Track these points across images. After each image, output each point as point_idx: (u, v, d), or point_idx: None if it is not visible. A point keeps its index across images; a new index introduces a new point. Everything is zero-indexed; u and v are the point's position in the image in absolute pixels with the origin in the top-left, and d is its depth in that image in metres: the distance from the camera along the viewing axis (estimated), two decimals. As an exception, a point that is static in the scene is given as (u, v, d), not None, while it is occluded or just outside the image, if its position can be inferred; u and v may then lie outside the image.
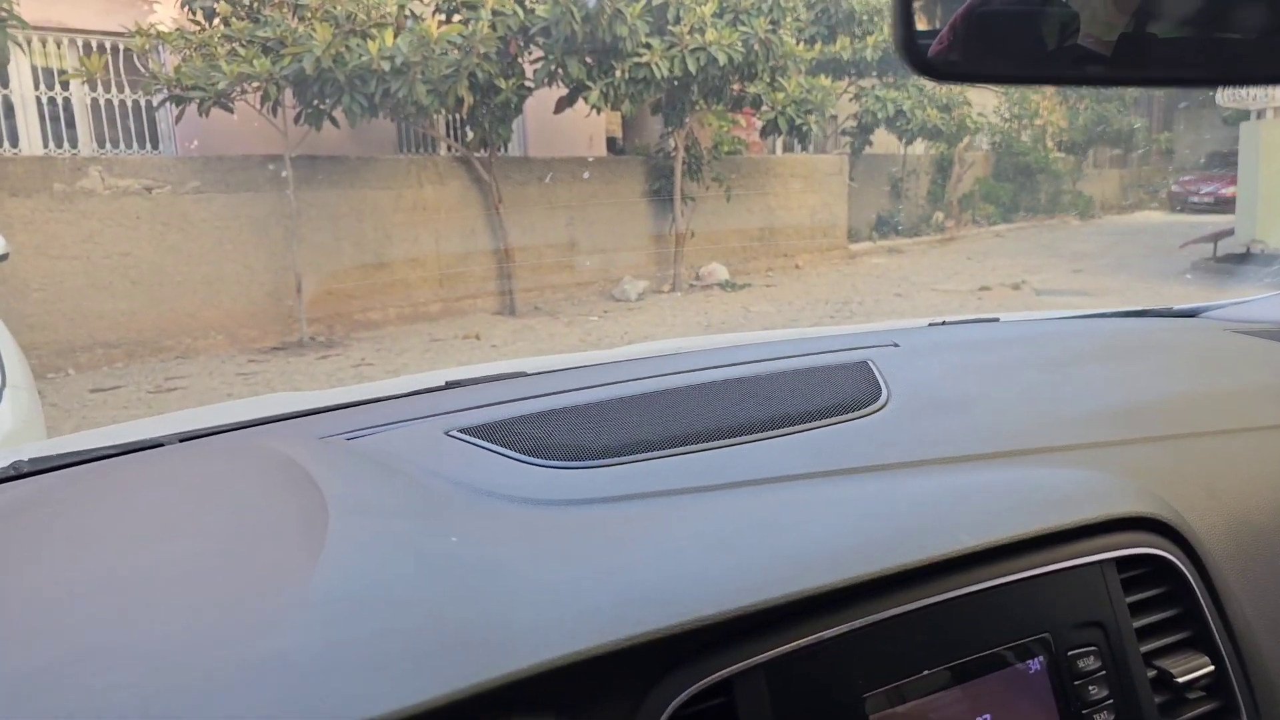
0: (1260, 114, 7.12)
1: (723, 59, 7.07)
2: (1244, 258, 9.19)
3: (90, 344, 5.82)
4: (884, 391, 0.92)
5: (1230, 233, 9.39)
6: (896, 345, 1.12)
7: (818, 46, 9.27)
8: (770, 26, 7.45)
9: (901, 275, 9.90)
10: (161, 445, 0.89)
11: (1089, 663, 0.65)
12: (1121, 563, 0.69)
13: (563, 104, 7.65)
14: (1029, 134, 15.64)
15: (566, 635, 0.52)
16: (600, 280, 8.91)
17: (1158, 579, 0.71)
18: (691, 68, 7.06)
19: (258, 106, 6.22)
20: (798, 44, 8.39)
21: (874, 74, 10.88)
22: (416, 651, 0.50)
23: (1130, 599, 0.68)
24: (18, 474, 0.82)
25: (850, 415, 0.86)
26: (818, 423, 0.84)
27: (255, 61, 5.79)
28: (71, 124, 6.91)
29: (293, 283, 6.54)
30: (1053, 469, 0.77)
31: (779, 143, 13.34)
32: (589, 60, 7.13)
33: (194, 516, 0.70)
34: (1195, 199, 16.98)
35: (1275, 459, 0.86)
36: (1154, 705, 0.66)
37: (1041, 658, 0.64)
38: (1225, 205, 16.54)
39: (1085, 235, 13.79)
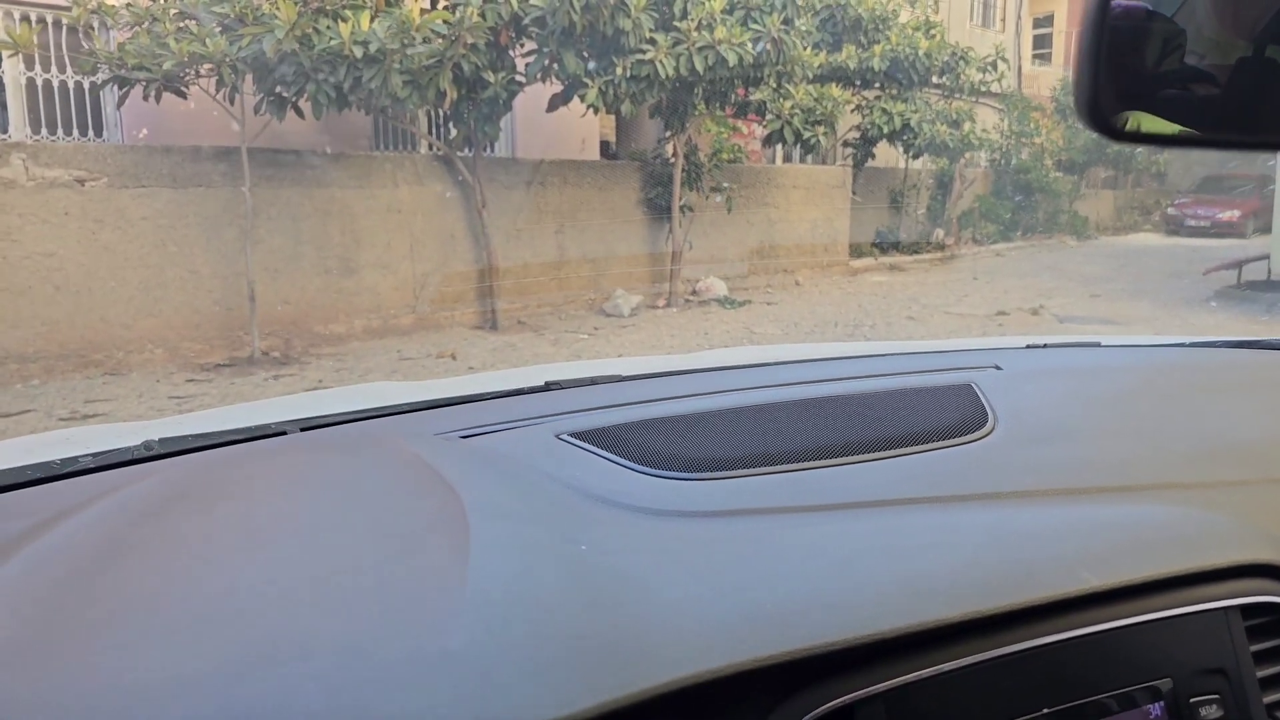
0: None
1: (732, 59, 6.45)
2: (1271, 286, 8.72)
3: (1, 358, 5.05)
4: (990, 417, 0.91)
5: (1254, 259, 8.92)
6: (999, 368, 1.10)
7: (823, 55, 8.71)
8: (783, 26, 6.84)
9: (909, 295, 9.35)
10: (285, 434, 0.90)
11: (1211, 711, 0.63)
12: (1245, 610, 0.67)
13: (557, 102, 6.99)
14: (1029, 152, 15.25)
15: (700, 651, 0.53)
16: (590, 293, 8.24)
17: (1278, 629, 0.68)
18: (699, 67, 6.43)
19: (213, 92, 5.50)
20: (805, 50, 7.82)
21: (879, 85, 10.35)
22: (567, 658, 0.51)
23: (1254, 648, 0.66)
24: (149, 454, 0.83)
25: (958, 440, 0.85)
26: (925, 446, 0.83)
27: (209, 40, 5.07)
28: (1, 105, 6.15)
29: (245, 290, 5.81)
30: (1172, 507, 0.76)
31: (778, 152, 12.79)
32: (587, 55, 6.48)
33: (339, 511, 0.70)
34: (1192, 222, 16.72)
35: None
36: None
37: (1162, 703, 0.63)
38: (1222, 229, 16.32)
39: (1087, 256, 13.37)
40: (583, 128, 9.42)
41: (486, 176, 7.18)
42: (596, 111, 6.96)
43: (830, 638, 0.55)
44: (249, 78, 5.51)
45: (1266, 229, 17.32)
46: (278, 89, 5.55)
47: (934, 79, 10.91)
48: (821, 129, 7.89)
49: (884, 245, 12.74)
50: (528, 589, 0.57)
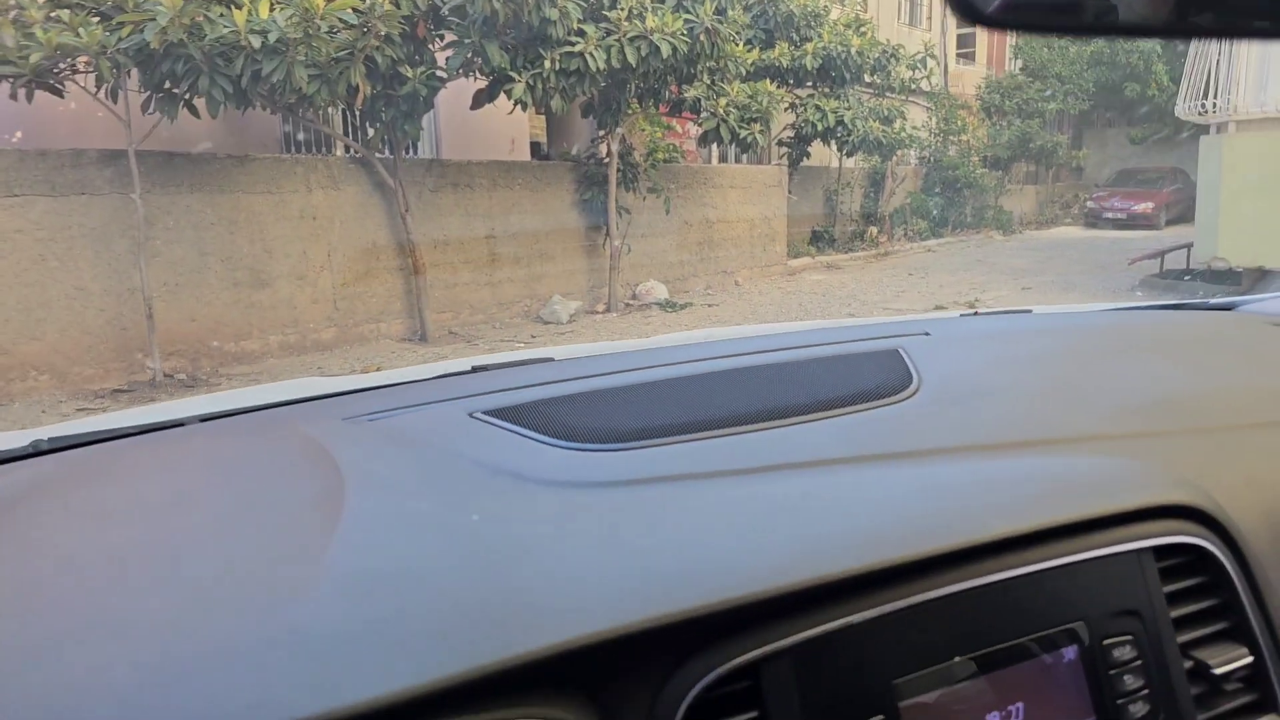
0: (1220, 128, 6.73)
1: (666, 50, 6.18)
2: (1193, 274, 8.89)
3: None
4: (915, 378, 0.90)
5: (1175, 249, 9.10)
6: (928, 334, 1.09)
7: (756, 51, 8.53)
8: (717, 16, 6.60)
9: (848, 293, 9.24)
10: (182, 425, 0.87)
11: (1124, 652, 0.63)
12: (1159, 552, 0.67)
13: (481, 98, 6.60)
14: (956, 149, 15.47)
15: (590, 615, 0.51)
16: (526, 299, 7.86)
17: (1195, 569, 0.69)
18: (631, 59, 6.13)
19: (93, 89, 4.94)
20: (739, 45, 7.61)
21: (811, 83, 10.26)
22: (436, 628, 0.49)
23: (1167, 589, 0.67)
24: (36, 452, 0.81)
25: (882, 401, 0.84)
26: (849, 408, 0.82)
27: (83, 30, 4.53)
28: None
29: (142, 307, 5.26)
30: (1088, 457, 0.76)
31: (714, 152, 12.61)
32: (512, 48, 6.11)
33: (209, 493, 0.69)
34: (1109, 215, 17.21)
35: None
36: (1190, 696, 0.65)
37: (1075, 647, 0.63)
38: (1137, 221, 16.85)
39: (1014, 250, 13.57)
40: (512, 127, 9.03)
41: (409, 179, 6.74)
42: (525, 108, 6.59)
43: (727, 595, 0.53)
44: (133, 72, 4.97)
45: (1177, 220, 18.08)
46: (166, 84, 5.02)
47: (866, 77, 10.89)
48: (757, 126, 7.68)
49: (820, 244, 12.69)
50: (398, 560, 0.55)
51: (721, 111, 7.49)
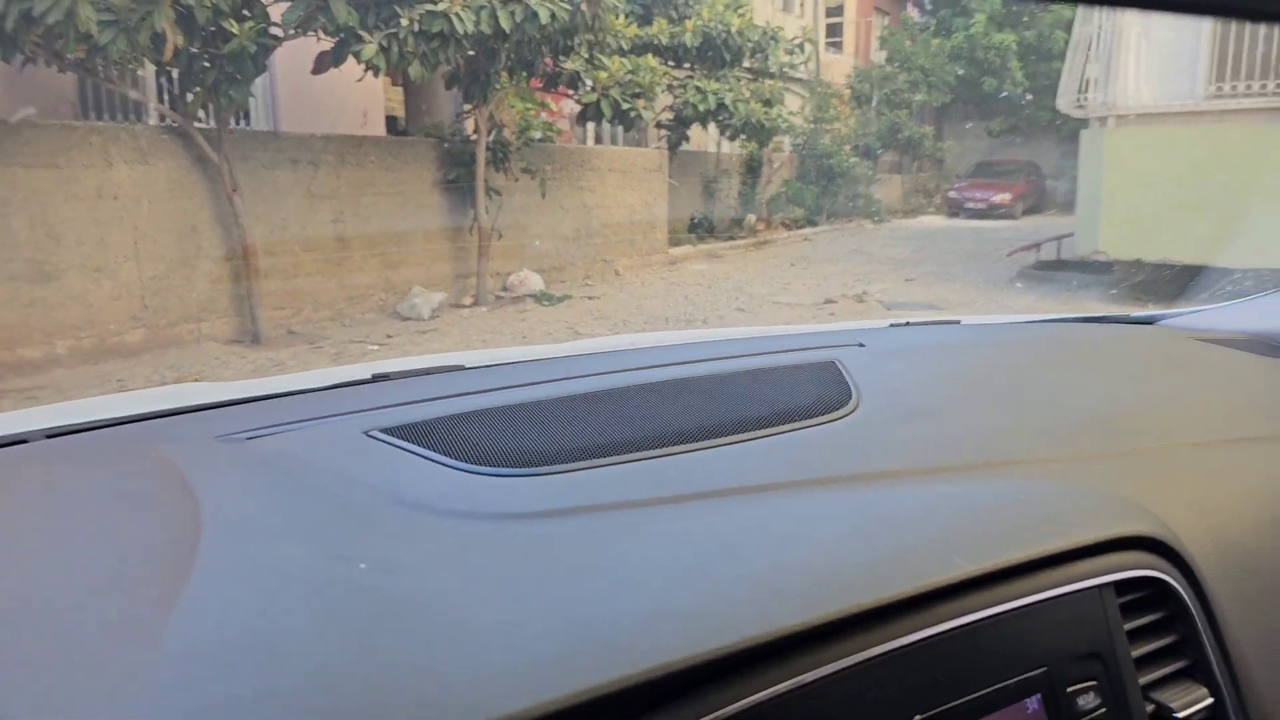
0: (1102, 121, 6.78)
1: (544, 16, 5.50)
2: (1063, 266, 9.11)
3: None
4: (854, 394, 0.85)
5: (1050, 241, 9.29)
6: (862, 345, 1.05)
7: (634, 27, 7.97)
8: (597, -19, 5.98)
9: (733, 285, 8.89)
10: (25, 442, 0.74)
11: (1089, 700, 0.59)
12: (1118, 587, 0.63)
13: (325, 61, 5.70)
14: (830, 138, 15.54)
15: (504, 694, 0.42)
16: (381, 292, 6.99)
17: (1154, 603, 0.65)
18: (504, 24, 5.42)
19: None
20: (618, 19, 7.03)
21: (690, 64, 9.83)
22: (297, 718, 0.39)
23: (1127, 626, 0.63)
24: None
25: (819, 419, 0.79)
26: (784, 427, 0.77)
27: None
28: None
29: None
30: (1040, 483, 0.72)
31: (590, 132, 11.98)
32: (363, 3, 5.26)
33: (31, 537, 0.57)
34: (970, 205, 17.87)
35: (1257, 473, 0.83)
36: None
37: (1039, 695, 0.58)
38: (996, 211, 17.58)
39: (887, 239, 13.75)
40: (364, 97, 8.07)
41: (238, 154, 5.75)
42: (377, 73, 5.73)
43: (669, 657, 0.46)
44: None
45: (1032, 210, 19.02)
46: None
47: (745, 59, 10.58)
48: (641, 102, 7.14)
49: (700, 231, 12.36)
50: (258, 629, 0.45)
51: (603, 85, 6.88)
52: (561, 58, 7.04)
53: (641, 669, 0.45)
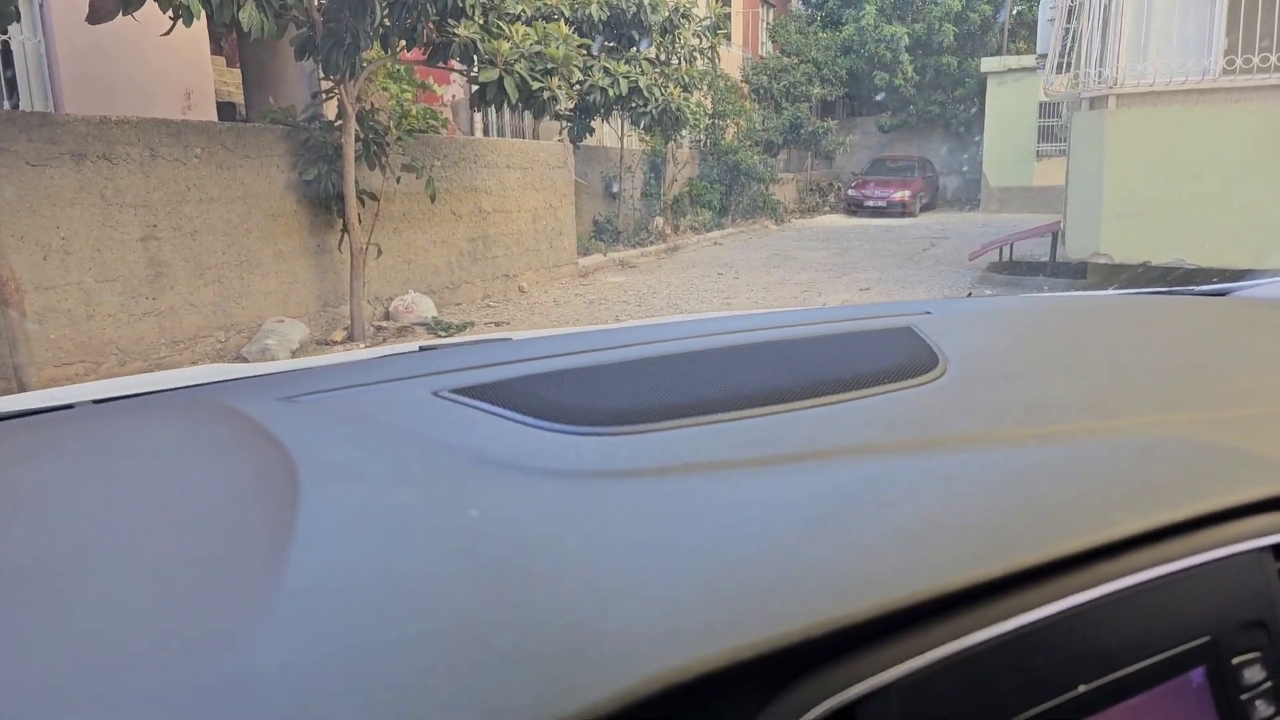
0: (1095, 103, 5.89)
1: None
2: (1014, 266, 8.31)
3: None
4: (940, 358, 0.80)
5: (1013, 240, 8.47)
6: (929, 313, 0.99)
7: (529, -2, 6.52)
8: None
9: (662, 300, 7.56)
10: (71, 408, 0.72)
11: (1255, 673, 0.52)
12: (1276, 551, 0.57)
13: (109, 6, 3.92)
14: (733, 133, 14.54)
15: (666, 645, 0.38)
16: (218, 331, 5.21)
17: None
18: (374, -46, 3.83)
19: None
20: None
21: (595, 43, 8.44)
22: (444, 673, 0.35)
23: None
24: None
25: (909, 382, 0.74)
26: (873, 389, 0.72)
27: None
28: None
29: None
30: (1180, 442, 0.65)
31: (478, 123, 10.35)
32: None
33: (109, 488, 0.54)
34: (870, 203, 17.38)
35: None
36: None
37: (1204, 667, 0.52)
38: (896, 208, 17.14)
39: (799, 241, 12.87)
40: (186, 73, 6.20)
41: (-20, 141, 3.90)
42: (189, 21, 3.97)
43: (830, 613, 0.41)
44: None
45: (928, 207, 18.75)
46: None
47: (653, 40, 9.28)
48: (555, 80, 5.66)
49: (605, 236, 11.01)
50: (384, 574, 0.41)
51: (506, 58, 5.36)
52: (451, 21, 5.48)
53: (795, 629, 0.40)
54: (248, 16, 3.71)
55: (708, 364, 0.76)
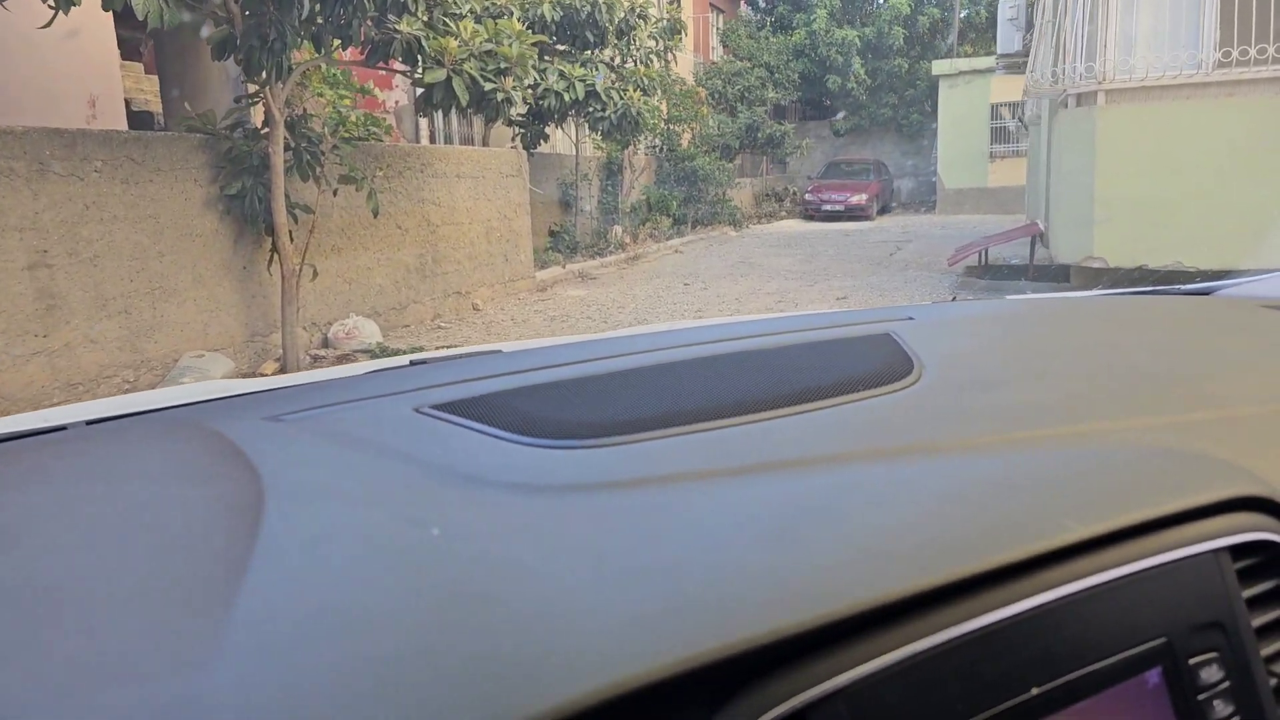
0: (1083, 99, 5.58)
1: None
2: (991, 270, 8.03)
3: None
4: (915, 364, 0.81)
5: (988, 243, 8.18)
6: (911, 319, 1.01)
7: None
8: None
9: (628, 315, 7.08)
10: (64, 430, 0.74)
11: (1212, 673, 0.54)
12: (1234, 552, 0.58)
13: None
14: (689, 138, 14.15)
15: (617, 656, 0.39)
16: (127, 370, 4.56)
17: (1270, 569, 0.60)
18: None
19: None
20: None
21: (547, 43, 7.94)
22: (388, 698, 0.36)
23: (1245, 594, 0.58)
24: None
25: (883, 389, 0.75)
26: (846, 397, 0.73)
27: None
28: None
29: None
30: (1138, 446, 0.66)
31: (424, 131, 9.76)
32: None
33: (92, 513, 0.55)
34: (828, 207, 17.16)
35: None
36: None
37: (1160, 668, 0.53)
38: (854, 212, 16.93)
39: (761, 247, 12.51)
40: (91, 78, 5.53)
41: None
42: (65, 8, 3.34)
43: (776, 623, 0.42)
44: None
45: (884, 211, 18.61)
46: None
47: (609, 42, 8.82)
48: (509, 81, 5.15)
49: (561, 247, 10.50)
50: (336, 595, 0.42)
51: (454, 57, 4.83)
52: (391, 18, 4.93)
53: (741, 638, 0.41)
54: (142, 4, 3.12)
55: (684, 375, 0.77)
